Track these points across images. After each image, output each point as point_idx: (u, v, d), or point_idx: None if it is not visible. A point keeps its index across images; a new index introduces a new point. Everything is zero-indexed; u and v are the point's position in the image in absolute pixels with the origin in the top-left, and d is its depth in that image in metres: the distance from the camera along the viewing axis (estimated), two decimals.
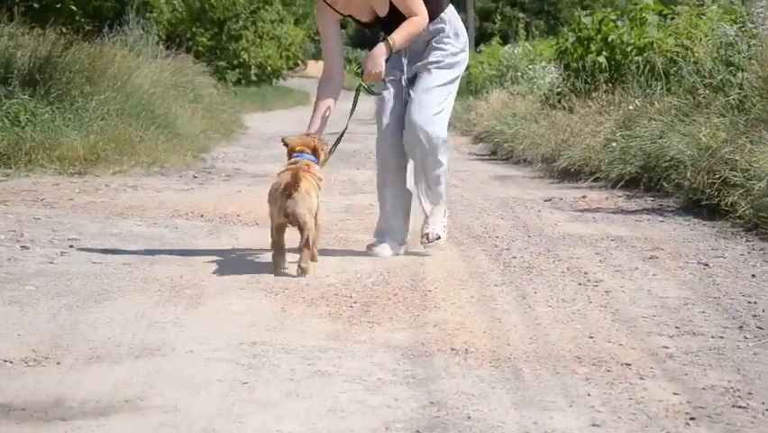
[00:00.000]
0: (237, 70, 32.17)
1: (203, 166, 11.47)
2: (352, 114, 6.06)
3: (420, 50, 5.83)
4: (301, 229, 5.25)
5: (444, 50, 5.78)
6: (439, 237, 5.92)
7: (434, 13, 5.72)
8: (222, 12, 29.63)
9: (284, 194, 5.20)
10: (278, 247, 5.37)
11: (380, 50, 5.69)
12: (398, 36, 5.65)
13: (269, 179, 10.00)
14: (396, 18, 5.69)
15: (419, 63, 5.84)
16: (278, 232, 5.34)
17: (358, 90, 5.90)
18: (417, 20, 5.64)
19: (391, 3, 5.66)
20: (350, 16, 5.87)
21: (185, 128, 13.27)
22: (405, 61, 5.86)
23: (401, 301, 4.74)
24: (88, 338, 3.99)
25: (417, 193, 5.97)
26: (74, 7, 15.74)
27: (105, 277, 5.16)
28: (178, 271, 5.36)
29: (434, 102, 5.76)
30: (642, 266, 5.67)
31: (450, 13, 5.82)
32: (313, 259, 5.35)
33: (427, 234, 5.93)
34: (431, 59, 5.80)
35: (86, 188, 8.80)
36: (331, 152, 5.95)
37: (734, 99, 8.42)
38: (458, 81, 5.91)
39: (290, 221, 5.24)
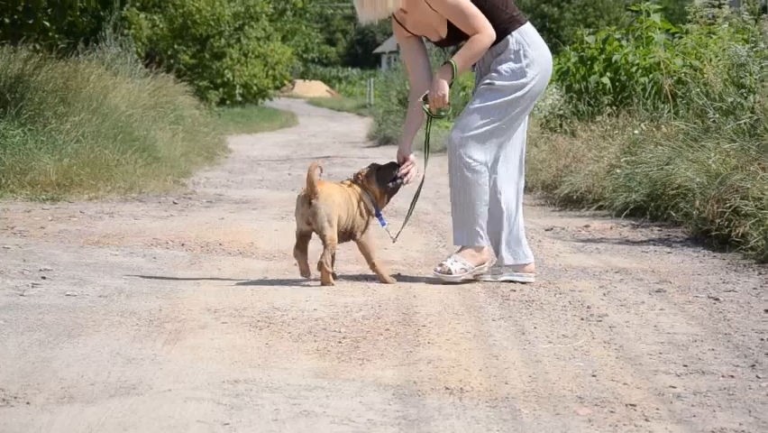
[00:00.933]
0: (221, 90, 32.21)
1: (183, 191, 11.48)
2: (427, 150, 6.16)
3: (486, 68, 5.92)
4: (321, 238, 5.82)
5: (500, 72, 5.81)
6: (449, 273, 5.91)
7: (500, 33, 5.77)
8: (205, 28, 29.67)
9: (305, 201, 5.77)
10: (296, 252, 5.94)
11: (444, 74, 5.80)
12: (460, 58, 5.77)
13: (254, 206, 10.08)
14: (464, 37, 5.82)
15: (479, 82, 5.94)
16: (299, 238, 5.92)
17: (429, 120, 5.97)
18: (478, 38, 5.70)
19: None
20: (423, 35, 5.99)
21: (164, 151, 13.30)
22: (475, 77, 6.02)
23: (393, 337, 4.74)
24: (60, 376, 3.99)
25: (453, 219, 6.02)
26: (47, 23, 15.75)
27: (78, 310, 5.15)
28: (157, 304, 5.36)
29: (473, 124, 5.82)
30: (648, 300, 5.68)
31: (521, 34, 5.81)
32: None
33: (442, 264, 5.97)
34: (486, 79, 5.87)
35: (59, 216, 8.80)
36: (408, 214, 6.22)
37: (745, 123, 8.46)
38: (512, 108, 5.81)
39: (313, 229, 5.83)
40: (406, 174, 5.96)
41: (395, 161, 6.09)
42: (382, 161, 6.29)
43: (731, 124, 8.60)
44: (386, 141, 23.70)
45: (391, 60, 53.42)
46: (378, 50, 78.24)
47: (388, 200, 6.10)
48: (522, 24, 5.82)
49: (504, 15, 5.79)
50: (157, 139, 13.50)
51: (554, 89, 15.46)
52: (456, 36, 5.89)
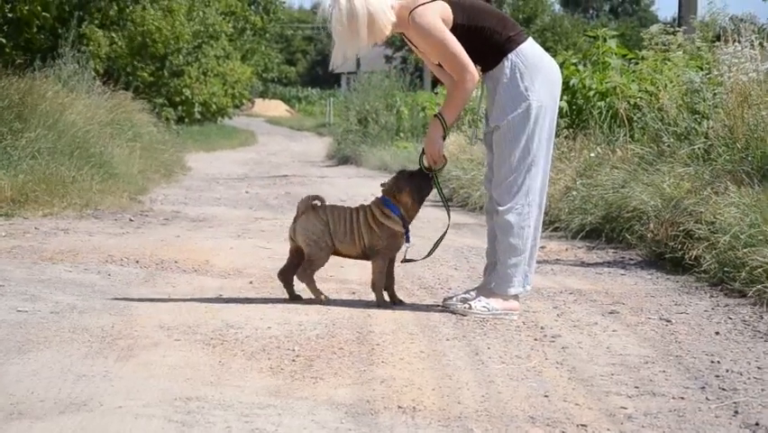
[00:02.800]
0: (180, 108, 32.12)
1: (140, 209, 11.42)
2: (445, 202, 6.07)
3: (492, 97, 5.68)
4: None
5: (502, 104, 5.57)
6: (468, 306, 5.70)
7: (497, 57, 5.59)
8: (164, 47, 29.59)
9: (294, 218, 5.89)
10: (279, 274, 6.06)
11: (434, 131, 5.65)
12: (447, 111, 5.62)
13: (210, 223, 10.04)
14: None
15: (491, 116, 5.69)
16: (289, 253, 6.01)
17: (435, 178, 5.82)
18: (459, 86, 5.52)
19: None
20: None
21: (121, 168, 13.22)
22: (483, 113, 5.87)
23: (347, 355, 4.74)
24: (10, 392, 3.94)
25: (487, 262, 5.91)
26: (3, 39, 15.67)
27: (30, 326, 5.11)
28: (110, 320, 5.32)
29: (505, 169, 5.60)
30: (601, 321, 5.71)
31: (517, 55, 5.57)
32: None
33: (464, 298, 5.79)
34: (493, 115, 5.64)
35: (13, 232, 8.73)
36: (429, 253, 6.05)
37: (699, 148, 8.54)
38: (529, 136, 5.56)
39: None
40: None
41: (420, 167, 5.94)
42: (410, 168, 6.20)
43: (685, 148, 8.69)
44: (345, 160, 23.72)
45: (351, 81, 53.51)
46: (337, 69, 78.36)
47: (419, 208, 5.94)
48: (520, 44, 5.59)
49: (500, 38, 5.58)
50: (114, 156, 13.42)
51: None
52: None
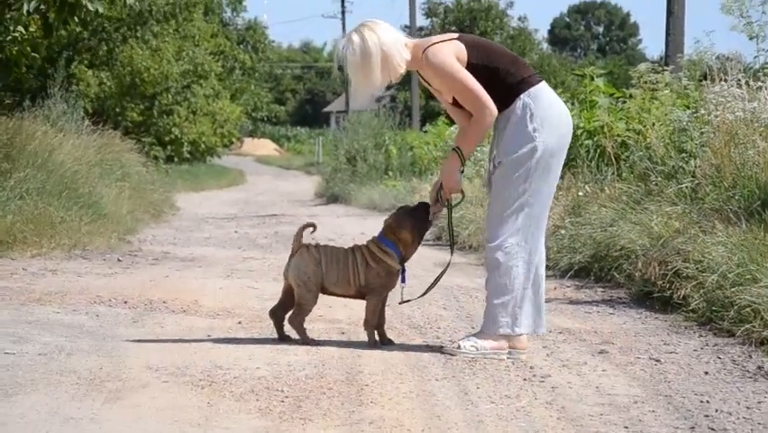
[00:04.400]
0: (169, 147, 32.20)
1: (129, 249, 11.40)
2: (452, 238, 6.03)
3: (499, 136, 5.68)
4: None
5: (507, 141, 5.55)
6: (457, 346, 5.67)
7: (510, 98, 5.57)
8: (153, 86, 29.70)
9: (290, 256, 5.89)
10: (270, 312, 6.05)
11: (452, 164, 5.65)
12: (464, 144, 5.62)
13: (200, 263, 10.03)
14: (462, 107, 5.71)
15: (497, 152, 5.69)
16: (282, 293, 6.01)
17: (450, 211, 5.82)
18: (477, 120, 5.52)
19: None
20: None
21: (110, 208, 13.21)
22: (489, 150, 5.85)
23: (336, 396, 4.73)
24: None
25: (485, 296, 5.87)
26: None
27: (17, 368, 5.09)
28: (98, 362, 5.30)
29: (499, 205, 5.61)
30: (591, 361, 5.71)
31: (530, 96, 5.56)
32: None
33: (458, 343, 5.73)
34: (499, 150, 5.63)
35: (0, 273, 8.70)
36: (426, 291, 6.05)
37: (686, 187, 8.58)
38: (530, 177, 5.53)
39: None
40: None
41: (424, 201, 5.97)
42: (411, 204, 6.22)
43: (673, 187, 8.72)
44: (334, 199, 23.75)
45: (340, 120, 53.67)
46: (327, 108, 78.53)
47: (418, 246, 5.92)
48: (533, 86, 5.59)
49: (513, 80, 5.57)
50: (103, 196, 13.41)
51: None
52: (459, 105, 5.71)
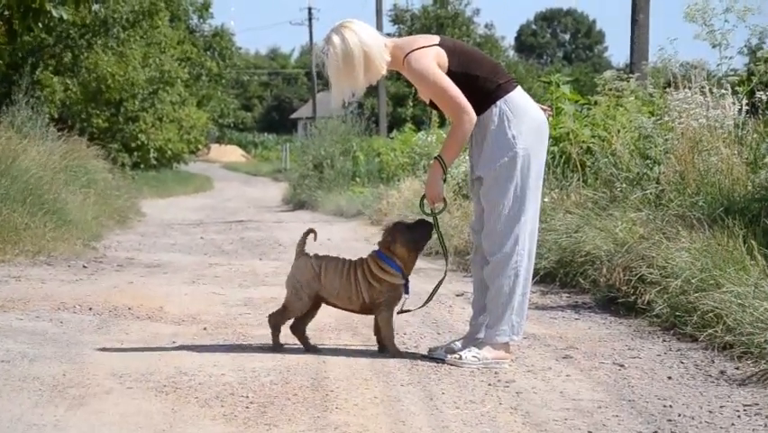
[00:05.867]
0: (135, 153, 32.07)
1: (94, 255, 11.35)
2: (446, 251, 6.02)
3: (478, 144, 5.67)
4: None
5: (490, 152, 5.57)
6: (459, 357, 5.65)
7: (486, 104, 5.59)
8: (118, 92, 29.58)
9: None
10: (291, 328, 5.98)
11: (435, 172, 5.63)
12: (446, 153, 5.60)
13: (165, 270, 9.99)
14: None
15: (476, 163, 5.70)
16: None
17: (435, 221, 5.79)
18: (458, 128, 5.52)
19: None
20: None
21: (75, 214, 13.14)
22: (469, 159, 5.82)
23: (301, 402, 4.73)
24: None
25: (473, 311, 5.89)
26: None
27: None
28: (61, 369, 5.27)
29: (492, 218, 5.62)
30: (555, 366, 5.73)
31: (506, 102, 5.58)
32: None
33: (451, 348, 5.75)
34: (480, 164, 5.64)
35: None
36: (426, 302, 6.00)
37: (651, 193, 8.63)
38: (515, 185, 5.55)
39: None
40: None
41: (423, 217, 5.93)
42: (407, 220, 6.19)
43: (637, 193, 8.77)
44: (301, 205, 23.72)
45: (307, 126, 53.65)
46: (294, 115, 78.42)
47: (417, 259, 5.91)
48: (509, 92, 5.60)
49: (491, 86, 5.58)
50: (68, 202, 13.33)
51: (467, 157, 15.64)
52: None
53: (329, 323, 6.98)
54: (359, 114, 31.71)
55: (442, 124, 23.46)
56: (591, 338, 6.66)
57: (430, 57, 5.57)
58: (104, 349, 5.87)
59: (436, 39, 5.70)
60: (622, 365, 5.75)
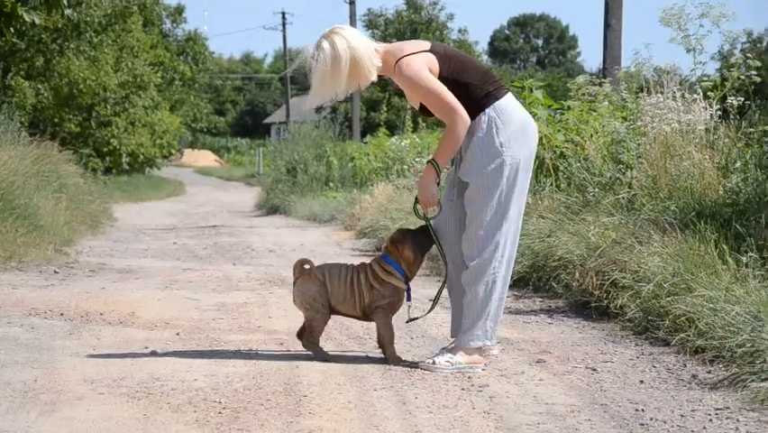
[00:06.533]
0: (107, 158, 31.96)
1: (65, 260, 11.29)
2: (442, 252, 5.88)
3: (465, 150, 5.66)
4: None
5: (477, 159, 5.58)
6: (432, 362, 5.66)
7: (475, 111, 5.59)
8: (90, 97, 29.47)
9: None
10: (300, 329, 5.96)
11: (429, 176, 5.62)
12: (441, 155, 5.58)
13: (137, 275, 9.96)
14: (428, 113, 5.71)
15: (462, 168, 5.68)
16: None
17: (429, 224, 5.75)
18: (452, 131, 5.51)
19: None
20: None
21: (47, 219, 13.07)
22: (457, 163, 5.78)
23: (274, 407, 4.72)
24: None
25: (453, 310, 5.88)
26: None
27: None
28: (33, 374, 5.25)
29: (474, 224, 5.62)
30: (528, 370, 5.75)
31: (495, 110, 5.58)
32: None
33: (433, 359, 5.71)
34: (465, 169, 5.63)
35: None
36: (431, 308, 5.96)
37: (623, 198, 8.67)
38: (500, 192, 5.56)
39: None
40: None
41: (424, 224, 5.87)
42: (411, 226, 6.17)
43: (610, 198, 8.80)
44: (274, 210, 23.68)
45: (281, 130, 53.60)
46: (267, 120, 78.39)
47: (421, 264, 5.92)
48: (498, 99, 5.61)
49: (480, 93, 5.60)
50: (39, 207, 13.25)
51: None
52: (426, 112, 5.73)
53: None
54: (332, 118, 31.71)
55: (415, 128, 23.58)
56: (564, 342, 6.68)
57: (421, 62, 5.58)
58: (75, 355, 5.85)
59: (427, 45, 5.71)
60: (595, 369, 5.78)
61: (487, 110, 5.60)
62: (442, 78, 5.59)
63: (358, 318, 5.94)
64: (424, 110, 5.73)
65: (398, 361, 5.78)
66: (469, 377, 5.49)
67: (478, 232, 5.62)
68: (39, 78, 29.03)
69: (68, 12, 12.83)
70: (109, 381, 5.15)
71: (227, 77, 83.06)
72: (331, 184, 23.20)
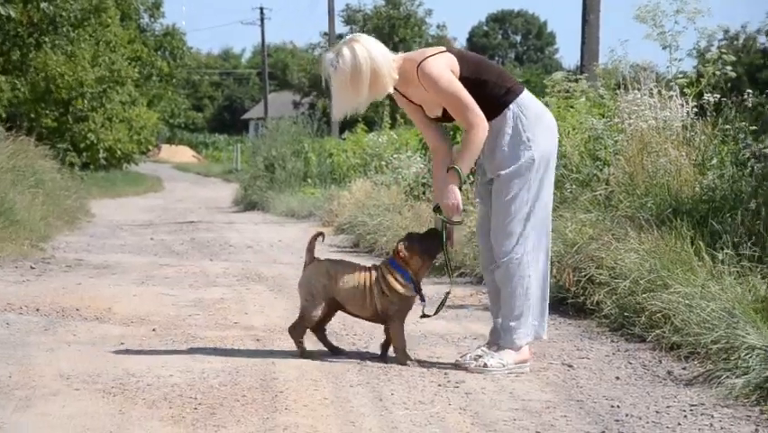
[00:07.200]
0: (84, 154, 31.81)
1: (42, 256, 11.24)
2: (448, 266, 5.84)
3: (491, 145, 5.66)
4: None
5: (505, 154, 5.59)
6: (484, 365, 5.61)
7: (498, 108, 5.60)
8: (67, 92, 29.32)
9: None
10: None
11: (451, 181, 5.59)
12: (463, 161, 5.56)
13: (114, 270, 9.93)
14: (448, 120, 5.70)
15: (490, 166, 5.70)
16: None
17: (443, 228, 5.70)
18: (474, 135, 5.50)
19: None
20: (421, 107, 5.76)
21: (23, 215, 13.01)
22: (481, 161, 5.77)
23: (250, 403, 4.72)
24: None
25: (492, 313, 5.84)
26: None
27: None
28: (7, 370, 5.23)
29: (503, 218, 5.60)
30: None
31: (518, 105, 5.59)
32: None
33: (478, 355, 5.67)
34: (495, 163, 5.64)
35: None
36: (439, 309, 5.86)
37: (600, 195, 8.69)
38: (531, 185, 5.57)
39: None
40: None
41: (434, 227, 5.86)
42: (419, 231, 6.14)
43: (587, 195, 8.82)
44: (252, 206, 23.64)
45: (259, 126, 53.49)
46: (246, 116, 78.23)
47: (429, 268, 5.89)
48: (518, 95, 5.63)
49: (500, 91, 5.61)
50: (15, 202, 13.19)
51: (418, 158, 15.68)
52: (446, 119, 5.73)
53: (278, 324, 6.97)
54: (310, 114, 31.66)
55: (393, 125, 23.55)
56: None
57: (443, 63, 5.58)
58: (51, 350, 5.82)
59: (443, 48, 5.73)
60: (571, 366, 5.79)
61: (510, 106, 5.61)
62: (462, 78, 5.58)
63: (369, 320, 5.91)
64: (444, 117, 5.71)
65: (408, 363, 5.69)
66: (445, 373, 5.50)
67: (507, 227, 5.60)
68: (15, 72, 28.87)
69: (43, 5, 12.72)
70: (84, 376, 5.13)
71: (205, 72, 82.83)
72: (309, 180, 23.16)
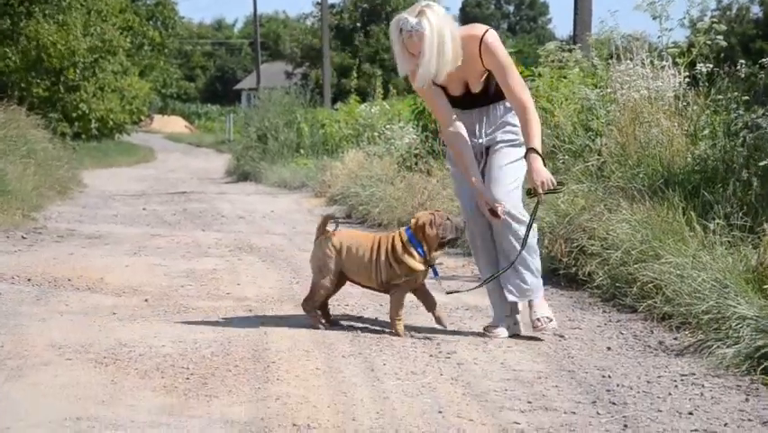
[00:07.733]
0: (76, 123, 31.68)
1: (33, 226, 11.23)
2: (526, 237, 5.76)
3: (497, 121, 5.80)
4: None
5: (515, 125, 5.73)
6: (551, 320, 5.75)
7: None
8: (59, 61, 29.16)
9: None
10: None
11: (538, 162, 5.57)
12: (536, 140, 5.59)
13: (106, 241, 9.92)
14: (483, 95, 5.75)
15: (493, 137, 5.79)
16: None
17: (537, 205, 5.68)
18: (531, 115, 5.61)
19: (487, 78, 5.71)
20: (443, 87, 5.75)
21: (14, 185, 12.98)
22: (483, 131, 5.81)
23: (242, 373, 4.72)
24: None
25: (501, 281, 5.84)
26: None
27: None
28: (0, 340, 5.22)
29: (509, 178, 5.69)
30: (496, 337, 5.76)
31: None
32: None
33: (538, 320, 5.74)
34: (504, 137, 5.77)
35: None
36: (481, 284, 5.91)
37: (592, 165, 8.68)
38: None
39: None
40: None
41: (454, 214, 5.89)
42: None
43: (579, 165, 8.81)
44: (244, 177, 23.61)
45: (251, 97, 53.32)
46: (238, 86, 77.99)
47: (441, 252, 5.82)
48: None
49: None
50: (7, 172, 13.17)
51: (411, 129, 15.65)
52: (481, 94, 5.77)
53: (271, 294, 6.98)
54: (303, 85, 31.57)
55: (385, 95, 23.48)
56: None
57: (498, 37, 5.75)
58: (43, 320, 5.82)
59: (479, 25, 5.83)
60: (562, 336, 5.81)
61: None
62: None
63: (374, 290, 5.92)
64: (460, 97, 5.76)
65: (402, 336, 5.69)
66: (437, 344, 5.51)
67: (507, 186, 5.68)
68: (6, 41, 28.72)
69: None
70: (76, 346, 5.13)
71: (197, 42, 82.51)
72: (301, 151, 23.11)
